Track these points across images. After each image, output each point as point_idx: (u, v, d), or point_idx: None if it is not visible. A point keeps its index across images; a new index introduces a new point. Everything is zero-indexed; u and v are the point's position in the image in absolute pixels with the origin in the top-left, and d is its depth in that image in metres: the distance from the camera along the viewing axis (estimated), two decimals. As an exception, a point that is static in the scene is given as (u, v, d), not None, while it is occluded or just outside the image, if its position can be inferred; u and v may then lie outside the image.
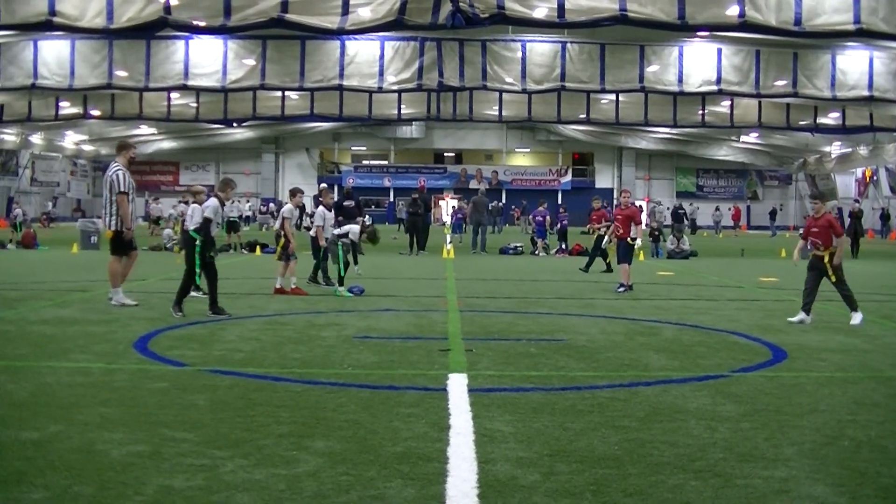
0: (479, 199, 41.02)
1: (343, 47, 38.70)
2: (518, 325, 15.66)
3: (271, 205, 71.01)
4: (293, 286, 20.21)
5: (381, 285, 22.89)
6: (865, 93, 41.50)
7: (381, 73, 39.18)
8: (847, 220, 46.51)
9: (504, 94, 49.89)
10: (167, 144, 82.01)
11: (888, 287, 24.28)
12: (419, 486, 6.50)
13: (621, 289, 21.39)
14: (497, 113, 54.51)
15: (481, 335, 14.15)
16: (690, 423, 8.53)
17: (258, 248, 37.14)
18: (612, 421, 8.51)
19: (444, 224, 68.14)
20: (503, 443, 7.65)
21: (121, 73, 38.76)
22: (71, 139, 79.10)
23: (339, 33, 30.80)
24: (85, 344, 12.67)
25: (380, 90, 40.95)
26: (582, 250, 38.23)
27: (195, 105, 52.35)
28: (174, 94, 50.18)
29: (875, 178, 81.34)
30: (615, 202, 79.30)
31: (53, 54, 38.47)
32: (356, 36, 35.95)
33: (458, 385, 10.06)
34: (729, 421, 8.64)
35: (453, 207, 70.67)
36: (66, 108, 53.00)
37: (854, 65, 41.00)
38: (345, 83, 39.60)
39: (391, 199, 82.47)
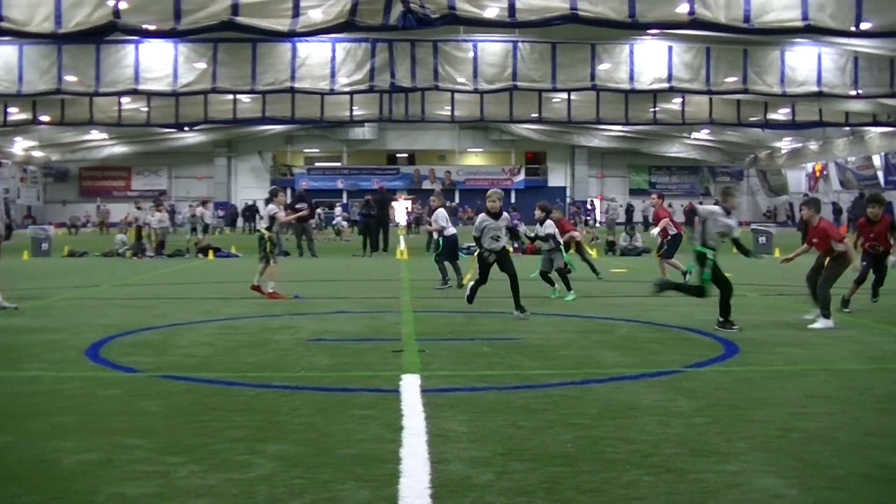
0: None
1: (294, 49, 38.63)
2: (472, 324, 15.69)
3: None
4: (271, 290, 19.97)
5: (336, 287, 22.85)
6: (814, 88, 41.94)
7: (333, 75, 39.14)
8: (798, 215, 46.86)
9: (456, 95, 49.97)
10: (119, 149, 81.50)
11: (839, 280, 24.40)
12: (373, 488, 6.50)
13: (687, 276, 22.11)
14: (450, 113, 54.65)
15: (435, 335, 14.16)
16: (644, 419, 8.57)
17: (211, 252, 36.96)
18: (566, 419, 8.53)
19: (398, 225, 68.09)
20: (457, 443, 7.67)
21: (70, 78, 38.48)
22: (20, 145, 78.41)
23: (291, 35, 30.74)
24: (36, 352, 12.57)
25: (332, 92, 40.91)
26: (536, 249, 38.27)
27: (146, 109, 52.05)
28: (125, 99, 49.85)
29: (825, 172, 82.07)
30: (567, 201, 79.60)
31: (1, 60, 38.13)
32: (307, 38, 35.87)
33: (411, 386, 10.07)
34: (682, 416, 8.69)
35: (406, 209, 70.65)
36: (15, 114, 52.56)
37: (803, 61, 41.42)
38: (297, 85, 39.53)
39: (345, 201, 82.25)
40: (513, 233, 16.34)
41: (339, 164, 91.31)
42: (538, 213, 20.84)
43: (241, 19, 27.44)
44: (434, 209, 23.57)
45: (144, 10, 28.10)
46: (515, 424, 8.31)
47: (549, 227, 20.28)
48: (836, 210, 72.13)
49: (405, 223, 68.47)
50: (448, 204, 52.87)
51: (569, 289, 19.59)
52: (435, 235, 23.65)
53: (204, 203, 50.33)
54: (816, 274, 16.23)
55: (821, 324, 15.19)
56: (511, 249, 37.13)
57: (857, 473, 6.90)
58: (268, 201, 22.72)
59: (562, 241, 20.89)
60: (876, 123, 60.61)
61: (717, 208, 15.43)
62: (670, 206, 36.93)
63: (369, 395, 9.67)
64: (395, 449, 7.47)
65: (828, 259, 15.95)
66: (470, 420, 8.46)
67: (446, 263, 22.66)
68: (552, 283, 20.16)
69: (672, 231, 23.02)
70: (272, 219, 20.41)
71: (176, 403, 9.29)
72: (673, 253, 23.04)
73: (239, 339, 13.81)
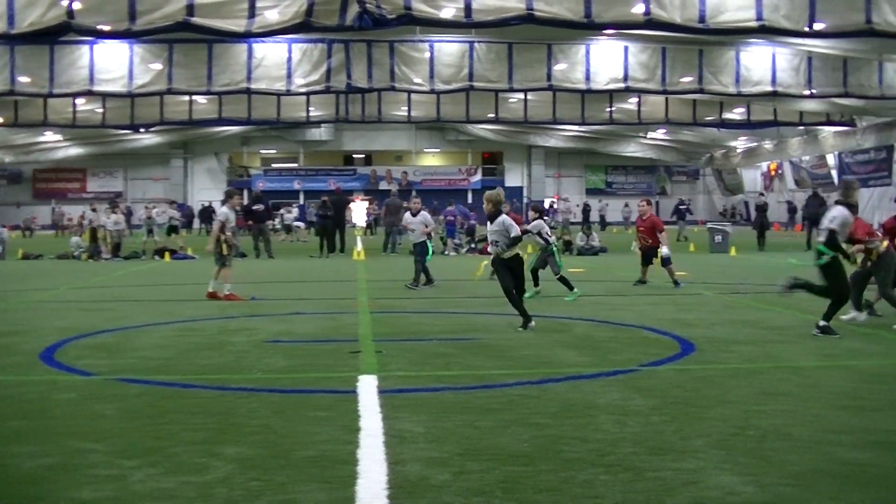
0: (392, 200, 41.01)
1: (251, 50, 38.43)
2: (430, 325, 15.71)
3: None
4: (227, 292, 19.85)
5: (293, 288, 22.79)
6: (769, 88, 42.20)
7: (290, 76, 38.98)
8: (754, 214, 47.20)
9: (413, 95, 49.86)
10: (74, 151, 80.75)
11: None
12: (330, 490, 6.50)
13: (681, 285, 22.01)
14: (406, 114, 54.58)
15: (393, 336, 14.16)
16: (601, 418, 8.61)
17: (168, 254, 36.77)
18: (524, 418, 8.56)
19: (354, 226, 67.96)
20: (414, 443, 7.68)
21: (24, 79, 38.09)
22: (-27, 147, 77.77)
23: (247, 36, 30.57)
24: (-9, 357, 12.48)
25: (288, 93, 40.72)
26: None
27: (101, 111, 51.59)
28: (80, 100, 49.39)
29: (780, 171, 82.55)
30: (524, 201, 79.68)
31: (-47, 61, 37.77)
32: (263, 39, 35.69)
33: (368, 387, 10.07)
34: (639, 415, 8.74)
35: (366, 209, 70.49)
36: (-32, 115, 52.10)
37: (758, 61, 41.68)
38: (253, 86, 39.32)
39: (301, 202, 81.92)
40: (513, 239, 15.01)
41: (295, 165, 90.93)
42: (531, 214, 21.09)
43: (196, 20, 27.28)
44: (417, 211, 23.43)
45: (99, 10, 27.87)
46: (473, 424, 8.32)
47: (541, 226, 20.19)
48: (791, 209, 72.56)
49: (364, 224, 68.28)
50: (404, 204, 52.86)
51: (571, 289, 19.53)
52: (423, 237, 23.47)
53: (172, 203, 50.08)
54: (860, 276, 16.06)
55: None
56: (462, 250, 37.12)
57: (813, 470, 6.96)
58: (224, 202, 22.54)
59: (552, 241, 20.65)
60: (830, 123, 61.12)
61: (846, 211, 14.53)
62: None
63: (326, 396, 9.66)
64: (352, 450, 7.47)
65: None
66: (427, 420, 8.47)
67: (417, 263, 22.66)
68: (536, 283, 20.14)
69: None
70: (223, 224, 20.24)
71: (132, 406, 9.25)
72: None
73: (196, 342, 13.76)
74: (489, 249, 15.51)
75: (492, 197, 15.32)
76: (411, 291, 21.56)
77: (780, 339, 13.77)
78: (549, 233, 20.39)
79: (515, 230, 14.74)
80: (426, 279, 22.44)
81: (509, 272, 14.87)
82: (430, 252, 22.86)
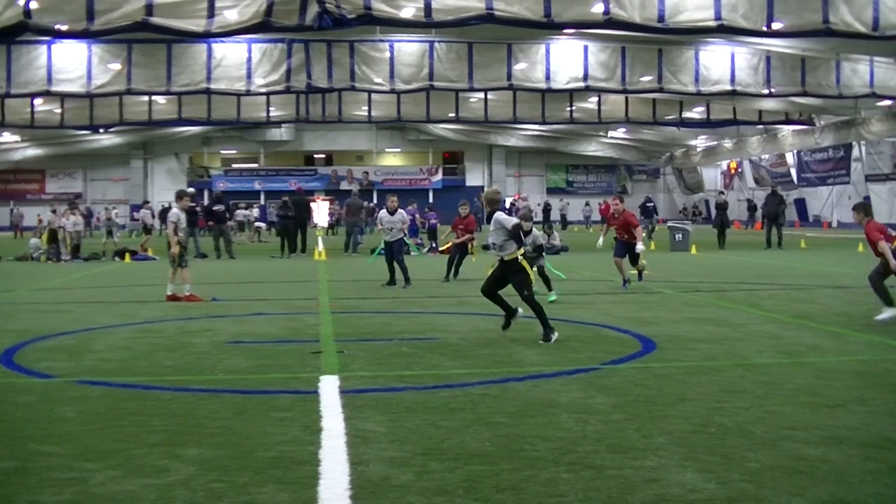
0: (353, 200, 40.97)
1: (210, 50, 38.27)
2: (391, 325, 15.69)
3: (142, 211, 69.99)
4: (187, 293, 19.74)
5: (254, 289, 22.72)
6: (728, 87, 42.50)
7: (249, 76, 38.86)
8: (714, 212, 47.45)
9: (373, 95, 49.89)
10: (32, 152, 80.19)
11: (754, 276, 24.78)
12: (292, 490, 6.49)
13: (636, 280, 22.10)
14: (367, 113, 54.58)
15: (354, 336, 14.15)
16: (562, 416, 8.63)
17: (128, 255, 36.58)
18: (485, 417, 8.57)
19: (316, 226, 67.81)
20: (376, 443, 7.67)
21: (-20, 80, 37.85)
22: (-71, 148, 77.13)
23: (206, 36, 30.43)
24: (-52, 359, 12.37)
25: (248, 93, 40.63)
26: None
27: (60, 111, 51.24)
28: (38, 101, 49.08)
29: (740, 170, 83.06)
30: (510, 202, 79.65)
31: None
32: (223, 38, 35.56)
33: (330, 387, 10.06)
34: (600, 413, 8.76)
35: (330, 209, 70.37)
36: (-76, 116, 51.62)
37: (717, 60, 41.96)
38: (213, 86, 39.16)
39: (262, 203, 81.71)
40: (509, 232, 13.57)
41: (256, 165, 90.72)
42: (525, 225, 19.58)
43: (155, 20, 27.13)
44: (394, 210, 23.30)
45: (56, 10, 27.68)
46: (435, 424, 8.33)
47: (539, 237, 19.49)
48: (751, 207, 73.00)
49: (325, 224, 68.18)
50: (365, 204, 52.84)
51: (549, 289, 19.25)
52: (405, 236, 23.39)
53: (146, 203, 49.92)
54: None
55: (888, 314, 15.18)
56: (424, 249, 37.04)
57: (773, 466, 7.01)
58: (169, 205, 22.48)
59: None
60: (789, 122, 61.58)
61: None
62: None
63: (288, 397, 9.64)
64: (314, 451, 7.47)
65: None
66: (389, 420, 8.47)
67: (391, 262, 22.63)
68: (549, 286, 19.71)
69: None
70: (175, 224, 20.14)
71: (92, 409, 9.20)
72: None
73: (156, 343, 13.69)
74: (492, 253, 14.11)
75: (487, 195, 14.50)
76: (377, 291, 21.52)
77: (741, 337, 13.84)
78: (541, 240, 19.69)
79: (511, 221, 13.48)
80: (405, 279, 22.39)
81: (514, 276, 13.69)
82: (410, 249, 22.80)
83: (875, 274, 15.57)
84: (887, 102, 52.05)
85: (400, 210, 23.37)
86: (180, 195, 21.23)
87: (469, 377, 10.69)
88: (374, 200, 78.73)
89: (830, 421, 8.47)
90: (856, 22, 31.03)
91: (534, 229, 19.08)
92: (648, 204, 56.85)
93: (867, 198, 64.93)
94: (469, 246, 24.60)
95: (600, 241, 23.30)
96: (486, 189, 15.23)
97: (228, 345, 13.43)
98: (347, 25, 27.89)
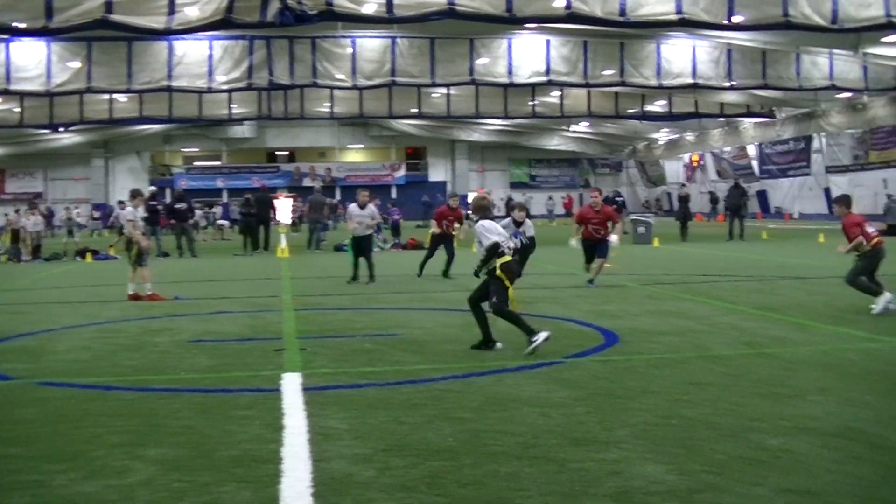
0: (316, 197, 40.92)
1: (171, 48, 38.10)
2: (354, 321, 15.67)
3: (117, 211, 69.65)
4: (149, 292, 19.62)
5: (217, 287, 22.63)
6: (690, 80, 42.74)
7: (211, 73, 38.72)
8: (676, 205, 47.69)
9: (335, 91, 49.84)
10: (-9, 151, 79.81)
11: (717, 268, 24.89)
12: (254, 489, 6.48)
13: (594, 285, 20.62)
14: (329, 110, 54.52)
15: (317, 333, 14.13)
16: (524, 410, 8.65)
17: (89, 254, 36.38)
18: (448, 413, 8.58)
19: (279, 224, 67.52)
20: (338, 440, 7.67)
21: (-62, 79, 37.54)
22: None
23: (167, 33, 30.32)
24: None
25: (209, 90, 40.51)
26: (417, 244, 38.42)
27: (19, 110, 50.88)
28: (-4, 99, 48.82)
29: (702, 162, 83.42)
30: (509, 198, 79.59)
31: None
32: (184, 36, 35.41)
33: (292, 385, 10.04)
34: (562, 406, 8.78)
35: (293, 206, 70.13)
36: None
37: (678, 54, 42.15)
38: (174, 84, 39.00)
39: (225, 200, 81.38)
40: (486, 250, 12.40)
41: (218, 163, 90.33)
42: (518, 214, 18.71)
43: (115, 17, 26.98)
44: (364, 204, 23.12)
45: (14, 7, 27.50)
46: (397, 420, 8.33)
47: (531, 227, 18.62)
48: (713, 199, 73.33)
49: (289, 221, 67.95)
50: (328, 201, 52.75)
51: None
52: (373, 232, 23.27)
53: (121, 204, 49.56)
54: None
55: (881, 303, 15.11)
56: (387, 245, 36.99)
57: (735, 457, 7.06)
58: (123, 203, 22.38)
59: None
60: (750, 114, 61.89)
61: None
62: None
63: (250, 395, 9.61)
64: (276, 448, 7.45)
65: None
66: (351, 417, 8.46)
67: (356, 258, 22.54)
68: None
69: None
70: (133, 223, 20.03)
71: (53, 410, 9.14)
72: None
73: (118, 343, 13.62)
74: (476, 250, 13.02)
75: (474, 202, 13.34)
76: (340, 288, 21.45)
77: (704, 329, 13.91)
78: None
79: (489, 239, 12.29)
80: (370, 275, 22.31)
81: (490, 283, 12.47)
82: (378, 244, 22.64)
83: (853, 274, 15.60)
84: (846, 94, 52.45)
85: (370, 205, 23.24)
86: (134, 194, 21.14)
87: (432, 373, 10.69)
88: (338, 197, 78.56)
89: (793, 411, 8.53)
90: (815, 15, 31.25)
91: (527, 220, 18.55)
92: (618, 199, 57.02)
93: (825, 190, 65.46)
94: (455, 231, 24.28)
95: (573, 241, 21.60)
96: (475, 195, 13.60)
97: (191, 343, 13.38)
98: (309, 21, 27.87)
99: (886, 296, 15.09)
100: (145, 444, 7.67)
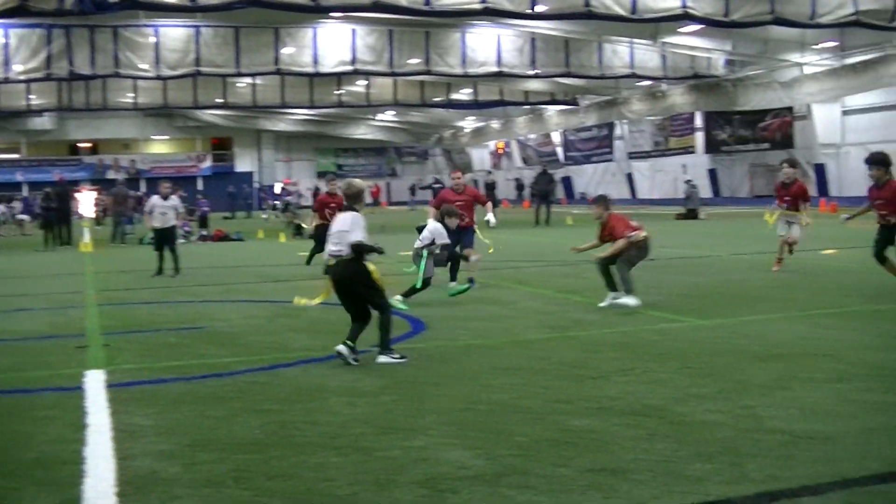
0: (119, 190, 40.12)
1: (-36, 37, 37.02)
2: (159, 315, 15.41)
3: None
4: None
5: (16, 284, 21.99)
6: (495, 68, 43.39)
7: (7, 63, 37.74)
8: (484, 191, 48.32)
9: (139, 81, 49.12)
10: None
11: (522, 253, 25.23)
12: (54, 491, 6.30)
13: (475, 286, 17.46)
14: (133, 100, 53.73)
15: (121, 329, 13.82)
16: (331, 400, 8.63)
17: None
18: (254, 405, 8.50)
19: (82, 217, 66.10)
20: (143, 437, 7.52)
21: None
22: None
23: (-43, 22, 29.44)
24: None
25: (6, 80, 39.44)
26: (223, 236, 38.07)
27: None
28: None
29: (508, 150, 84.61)
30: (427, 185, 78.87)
31: None
32: (-24, 24, 34.43)
33: (95, 382, 9.80)
34: (369, 395, 8.79)
35: (96, 199, 68.68)
36: None
37: (483, 42, 42.76)
38: (-32, 74, 37.90)
39: (25, 195, 79.31)
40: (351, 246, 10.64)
41: (17, 156, 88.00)
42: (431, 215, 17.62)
43: None
44: (167, 195, 22.55)
45: None
46: (203, 414, 8.22)
47: (442, 235, 16.51)
48: (519, 186, 74.42)
49: (92, 215, 66.56)
50: (132, 193, 51.84)
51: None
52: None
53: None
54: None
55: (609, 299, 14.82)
56: (193, 237, 36.52)
57: (541, 439, 7.17)
58: None
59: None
60: (554, 102, 63.06)
61: None
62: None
63: (51, 394, 9.35)
64: (78, 448, 7.25)
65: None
66: (156, 413, 8.31)
67: (160, 250, 22.14)
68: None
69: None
70: None
71: None
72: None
73: None
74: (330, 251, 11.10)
75: (345, 190, 11.76)
76: (145, 281, 21.08)
77: (510, 314, 14.10)
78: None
79: (353, 236, 10.77)
80: (175, 267, 21.91)
81: (356, 283, 10.96)
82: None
83: (621, 263, 15.20)
84: (646, 83, 53.89)
85: (173, 196, 22.85)
86: None
87: (238, 365, 10.58)
88: (144, 189, 77.28)
89: (594, 392, 8.71)
90: (615, 5, 32.03)
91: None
92: (435, 185, 57.43)
93: (627, 175, 67.07)
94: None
95: (490, 217, 19.92)
96: (347, 181, 11.28)
97: (-13, 343, 12.97)
98: (109, 10, 27.40)
99: (616, 293, 15.04)
100: (-63, 451, 7.39)
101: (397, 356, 10.57)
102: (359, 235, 10.73)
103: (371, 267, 10.88)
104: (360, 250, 10.76)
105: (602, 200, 15.53)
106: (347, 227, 10.85)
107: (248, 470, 6.61)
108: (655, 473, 6.28)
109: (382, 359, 10.55)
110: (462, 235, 18.06)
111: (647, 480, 6.14)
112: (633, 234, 14.84)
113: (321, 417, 7.99)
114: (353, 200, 11.38)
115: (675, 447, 6.88)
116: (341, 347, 10.41)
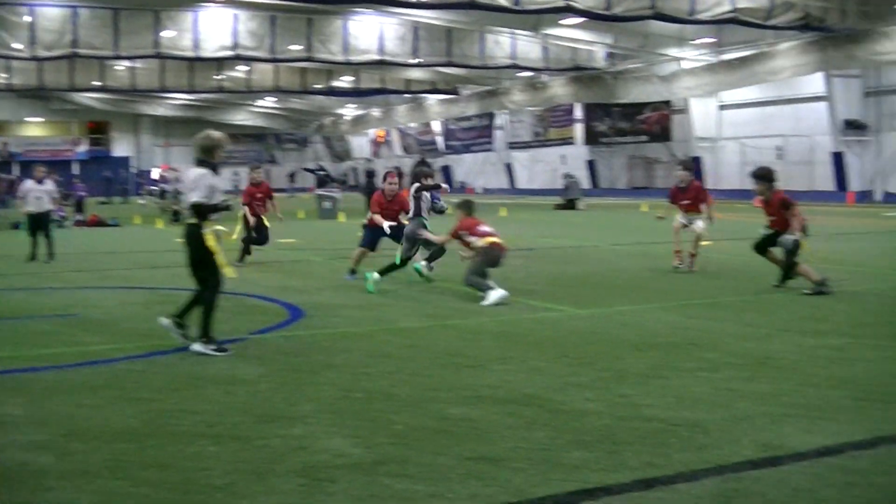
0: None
1: None
2: (31, 302, 15.07)
3: None
4: None
5: None
6: (377, 57, 43.44)
7: None
8: (363, 180, 48.47)
9: (13, 62, 48.20)
10: None
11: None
12: (-81, 486, 6.13)
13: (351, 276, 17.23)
14: (6, 81, 52.76)
15: (-10, 316, 13.52)
16: (209, 388, 8.54)
17: None
18: (129, 393, 8.37)
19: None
20: (14, 427, 7.34)
21: None
22: None
23: None
24: None
25: None
26: (99, 221, 37.51)
27: None
28: None
29: (388, 138, 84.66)
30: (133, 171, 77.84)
31: None
32: None
33: (-39, 373, 9.57)
34: (247, 384, 8.72)
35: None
36: None
37: (366, 30, 42.80)
38: None
39: None
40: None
41: None
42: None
43: None
44: (41, 179, 21.97)
45: None
46: (76, 403, 8.06)
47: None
48: (399, 174, 74.67)
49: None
50: (5, 176, 50.86)
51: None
52: None
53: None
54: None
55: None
56: (68, 222, 35.94)
57: (417, 427, 7.20)
58: None
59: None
60: (435, 91, 63.24)
61: None
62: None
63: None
64: (-56, 441, 7.08)
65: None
66: (28, 403, 8.12)
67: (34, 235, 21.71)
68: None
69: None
70: None
71: None
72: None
73: None
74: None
75: (199, 141, 10.79)
76: (18, 267, 20.61)
77: (387, 302, 14.11)
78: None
79: (193, 195, 10.20)
80: (49, 252, 21.46)
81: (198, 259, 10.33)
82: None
83: (469, 273, 14.40)
84: (528, 73, 54.30)
85: (47, 180, 22.41)
86: None
87: (113, 353, 10.40)
88: (17, 172, 75.75)
89: (472, 380, 8.76)
90: (499, -4, 32.22)
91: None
92: (320, 172, 57.23)
93: (507, 165, 67.43)
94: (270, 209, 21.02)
95: (386, 226, 17.67)
96: (200, 134, 10.80)
97: None
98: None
99: (500, 292, 14.18)
100: None
101: (213, 347, 10.04)
102: (198, 195, 10.06)
103: (208, 235, 10.10)
104: (199, 211, 10.06)
105: (465, 206, 15.18)
106: (190, 186, 10.34)
107: (124, 460, 6.51)
108: (534, 461, 6.33)
109: (197, 347, 10.08)
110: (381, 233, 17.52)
111: (526, 468, 6.19)
112: (472, 237, 14.50)
113: (198, 406, 7.89)
114: (206, 154, 10.57)
115: (553, 435, 6.94)
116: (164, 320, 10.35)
